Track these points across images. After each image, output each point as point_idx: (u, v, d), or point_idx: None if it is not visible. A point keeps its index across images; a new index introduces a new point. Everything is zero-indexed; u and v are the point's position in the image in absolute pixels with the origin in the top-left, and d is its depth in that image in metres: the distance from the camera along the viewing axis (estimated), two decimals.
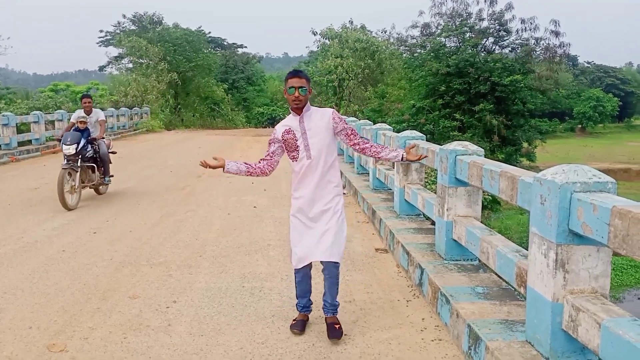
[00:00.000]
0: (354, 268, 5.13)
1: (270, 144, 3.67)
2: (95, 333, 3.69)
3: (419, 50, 27.40)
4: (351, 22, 33.90)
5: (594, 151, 44.57)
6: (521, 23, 25.53)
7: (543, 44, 25.29)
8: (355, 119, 13.11)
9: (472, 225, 4.23)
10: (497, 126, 22.97)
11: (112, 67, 38.15)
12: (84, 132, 8.20)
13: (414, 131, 6.80)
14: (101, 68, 41.42)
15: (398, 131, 7.80)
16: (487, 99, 23.60)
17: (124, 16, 37.75)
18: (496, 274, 3.91)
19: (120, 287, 4.61)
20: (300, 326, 3.67)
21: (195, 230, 6.65)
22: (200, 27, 39.84)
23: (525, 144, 25.03)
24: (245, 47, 49.40)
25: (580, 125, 60.73)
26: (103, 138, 8.74)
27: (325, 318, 3.67)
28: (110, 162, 8.99)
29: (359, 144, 3.67)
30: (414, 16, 55.13)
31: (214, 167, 3.67)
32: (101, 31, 40.54)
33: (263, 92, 46.28)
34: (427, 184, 8.83)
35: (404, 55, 29.46)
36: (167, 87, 32.42)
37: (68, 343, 3.53)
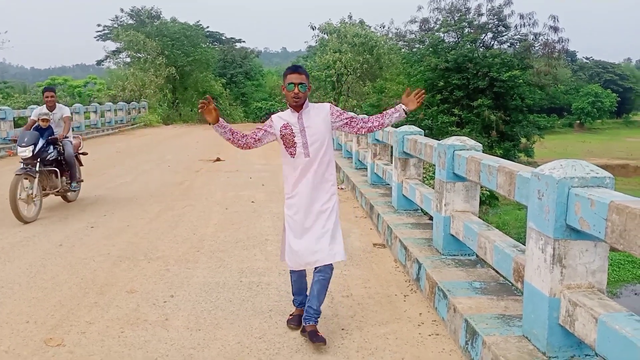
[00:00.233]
0: (351, 263, 5.13)
1: (260, 130, 3.53)
2: (93, 327, 3.68)
3: (417, 46, 27.40)
4: (350, 17, 33.89)
5: (592, 147, 44.62)
6: (520, 18, 25.57)
7: (542, 40, 25.34)
8: (354, 114, 13.11)
9: (469, 220, 4.23)
10: (496, 121, 23.01)
11: (109, 62, 38.06)
12: (46, 131, 7.14)
13: (412, 126, 6.78)
14: (99, 62, 41.27)
15: (396, 126, 7.79)
16: (486, 94, 23.62)
17: (122, 10, 37.64)
18: (493, 269, 3.91)
19: (118, 281, 4.60)
20: (296, 321, 3.62)
21: (193, 225, 6.65)
22: (198, 22, 39.70)
23: (523, 140, 25.09)
24: (244, 41, 49.25)
25: (578, 121, 60.76)
26: (67, 137, 7.54)
27: (304, 327, 3.45)
28: (81, 165, 8.08)
29: (362, 127, 3.56)
30: (412, 11, 54.92)
31: (209, 114, 3.49)
32: (99, 25, 40.33)
33: (261, 87, 46.14)
34: (425, 179, 8.83)
35: (403, 50, 29.47)
36: (165, 82, 32.36)
37: (65, 337, 3.53)
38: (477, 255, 4.34)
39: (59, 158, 7.39)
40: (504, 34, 26.70)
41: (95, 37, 39.94)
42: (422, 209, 6.04)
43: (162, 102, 31.86)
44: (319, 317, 3.49)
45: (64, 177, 7.44)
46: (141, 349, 3.37)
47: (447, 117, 23.53)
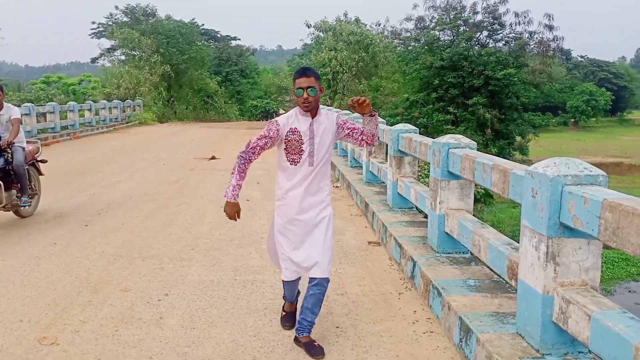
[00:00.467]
0: (346, 261, 5.14)
1: (265, 136, 3.25)
2: (87, 326, 3.67)
3: (413, 44, 27.41)
4: (345, 15, 33.84)
5: (586, 145, 44.79)
6: (515, 17, 25.61)
7: (537, 38, 25.38)
8: (349, 112, 13.12)
9: (464, 218, 4.24)
10: (491, 120, 23.06)
11: (104, 59, 37.85)
12: None
13: (408, 124, 6.79)
14: (93, 60, 41.06)
15: (392, 124, 7.79)
16: (481, 92, 23.67)
17: (117, 8, 37.42)
18: (488, 267, 3.92)
19: (112, 280, 4.59)
20: (290, 320, 3.59)
21: (188, 223, 6.64)
22: (193, 19, 39.60)
23: (518, 138, 25.15)
24: (239, 39, 49.19)
25: (573, 119, 60.97)
26: (15, 143, 6.44)
27: (298, 338, 3.34)
28: (40, 174, 7.15)
29: (362, 140, 3.40)
30: (408, 9, 54.97)
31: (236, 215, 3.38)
32: (93, 23, 40.26)
33: (257, 84, 46.10)
34: (420, 177, 8.85)
35: (398, 48, 29.45)
36: (160, 80, 32.22)
37: (59, 336, 3.52)
38: (471, 253, 4.35)
39: (6, 167, 6.32)
40: (499, 32, 26.74)
41: (89, 35, 39.80)
42: (417, 207, 6.05)
43: (157, 100, 31.74)
44: (312, 327, 3.38)
45: (13, 190, 6.37)
46: (135, 348, 3.36)
47: (442, 115, 23.56)
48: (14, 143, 6.42)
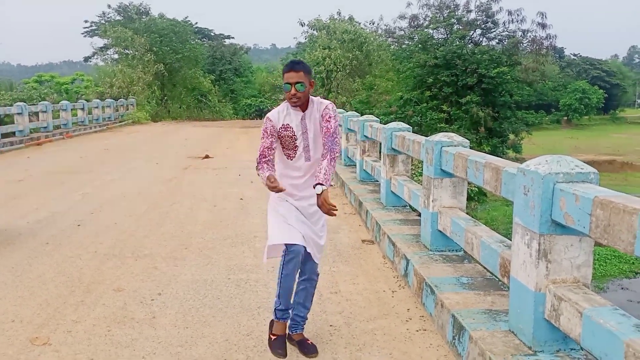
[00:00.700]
0: (340, 259, 5.14)
1: (265, 136, 3.16)
2: (79, 326, 3.65)
3: (406, 42, 27.43)
4: (339, 13, 33.83)
5: (579, 143, 44.99)
6: (508, 15, 25.67)
7: (530, 36, 25.48)
8: (343, 110, 13.11)
9: (457, 216, 4.25)
10: (484, 118, 23.10)
11: (97, 58, 37.76)
12: None
13: (401, 123, 6.80)
14: (86, 59, 40.91)
15: (385, 123, 7.80)
16: (474, 90, 23.71)
17: (109, 6, 37.27)
18: (480, 265, 3.93)
19: (105, 279, 4.57)
20: (282, 346, 3.21)
21: (181, 222, 6.62)
22: (186, 18, 39.44)
23: (511, 136, 25.22)
24: (233, 38, 49.07)
25: (566, 117, 61.23)
26: None
27: (292, 336, 3.31)
28: None
29: (323, 152, 3.14)
30: (401, 7, 55.03)
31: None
32: (86, 21, 39.97)
33: (251, 83, 46.01)
34: (413, 175, 8.85)
35: (392, 46, 29.47)
36: (153, 79, 32.11)
37: (51, 336, 3.50)
38: (464, 251, 4.36)
39: None
40: (493, 30, 26.80)
41: (82, 34, 39.63)
42: (410, 206, 6.05)
43: (150, 99, 31.61)
44: (305, 323, 3.36)
45: None
46: (128, 348, 3.35)
47: (436, 113, 23.57)
48: None
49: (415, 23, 27.13)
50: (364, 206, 6.57)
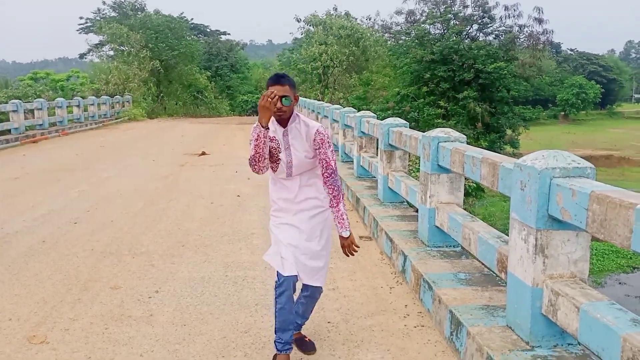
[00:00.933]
0: (337, 256, 5.10)
1: (253, 141, 2.95)
2: (76, 324, 3.65)
3: (403, 38, 27.45)
4: (335, 9, 33.77)
5: (576, 138, 45.10)
6: (505, 10, 25.71)
7: (526, 31, 25.53)
8: (340, 106, 13.10)
9: (454, 211, 4.25)
10: (481, 113, 23.14)
11: (93, 55, 37.55)
12: None
13: (398, 118, 6.79)
14: (82, 56, 40.69)
15: (382, 118, 7.79)
16: (471, 86, 23.75)
17: (104, 2, 37.07)
18: (478, 260, 3.94)
19: (102, 277, 4.56)
20: None
21: (178, 219, 6.60)
22: (182, 14, 39.26)
23: (508, 131, 25.28)
24: (229, 34, 48.87)
25: (563, 112, 61.36)
26: None
27: None
28: None
29: (324, 182, 3.07)
30: (398, 3, 54.90)
31: (269, 112, 2.79)
32: (81, 18, 39.73)
33: (247, 79, 45.91)
34: (411, 171, 8.85)
35: (389, 42, 29.47)
36: (149, 75, 32.01)
37: (48, 334, 3.49)
38: (462, 247, 4.36)
39: None
40: (489, 25, 26.84)
41: (77, 30, 39.41)
42: (407, 201, 6.05)
43: (146, 96, 31.53)
44: (302, 326, 3.33)
45: None
46: (126, 345, 3.34)
47: (433, 109, 23.60)
48: None
49: (412, 18, 27.14)
50: (362, 202, 6.57)
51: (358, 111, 9.85)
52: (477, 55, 23.70)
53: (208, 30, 47.28)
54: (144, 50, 31.62)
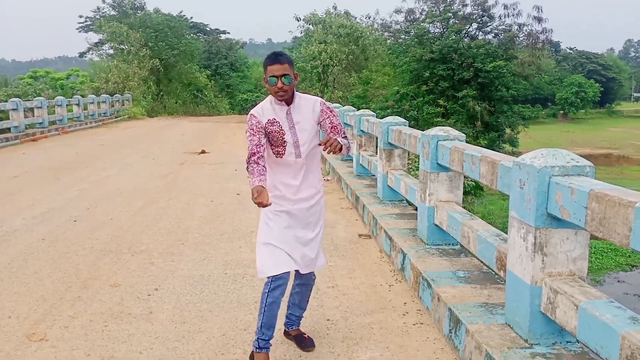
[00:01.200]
0: (337, 254, 5.14)
1: (252, 134, 2.95)
2: (76, 322, 3.65)
3: (403, 36, 27.43)
4: (335, 8, 33.74)
5: (575, 137, 45.12)
6: (504, 9, 25.68)
7: (526, 30, 25.51)
8: (340, 105, 13.11)
9: (453, 210, 4.25)
10: (480, 112, 23.14)
11: (92, 54, 37.49)
12: None
13: (397, 117, 6.80)
14: (81, 54, 40.63)
15: (382, 117, 7.80)
16: (471, 84, 23.74)
17: (104, 1, 37.02)
18: (477, 258, 3.94)
19: (101, 275, 4.56)
20: None
21: (178, 217, 6.61)
22: (181, 12, 39.23)
23: (508, 130, 25.27)
24: (228, 32, 48.87)
25: (562, 111, 61.38)
26: None
27: (288, 331, 3.33)
28: None
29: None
30: (398, 1, 54.96)
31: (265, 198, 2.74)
32: (81, 16, 39.68)
33: (247, 78, 45.89)
34: (410, 170, 8.86)
35: (388, 41, 29.45)
36: (148, 74, 32.00)
37: (48, 332, 3.50)
38: (461, 245, 4.36)
39: None
40: (489, 24, 26.80)
41: (77, 29, 39.35)
42: (407, 200, 6.05)
43: (146, 95, 31.53)
44: (301, 320, 3.35)
45: None
46: (125, 343, 3.35)
47: (432, 108, 23.60)
48: None
49: (412, 17, 27.13)
50: (361, 201, 6.57)
51: (357, 110, 9.86)
52: (477, 54, 23.69)
53: (207, 29, 47.25)
54: (144, 49, 31.60)
